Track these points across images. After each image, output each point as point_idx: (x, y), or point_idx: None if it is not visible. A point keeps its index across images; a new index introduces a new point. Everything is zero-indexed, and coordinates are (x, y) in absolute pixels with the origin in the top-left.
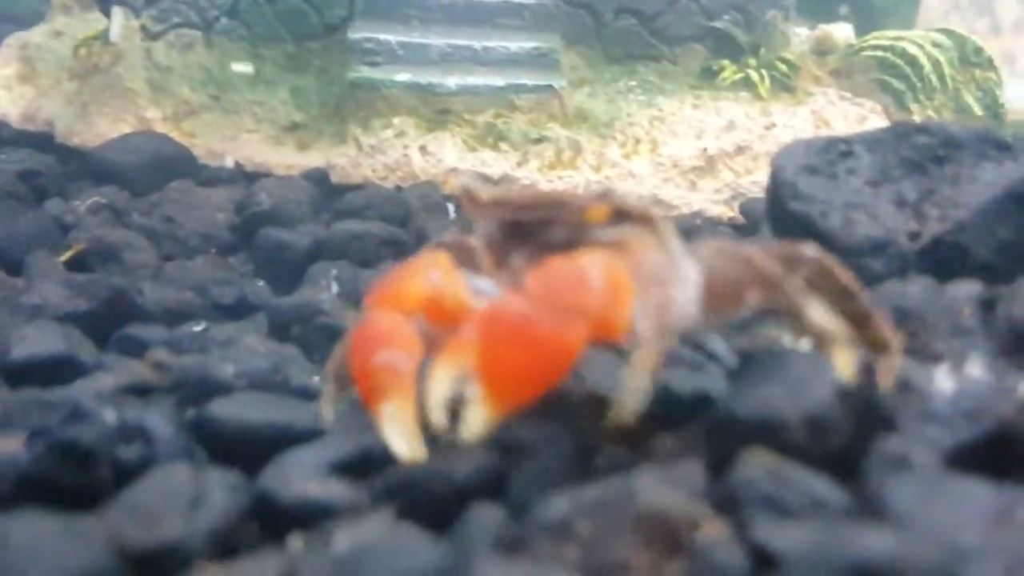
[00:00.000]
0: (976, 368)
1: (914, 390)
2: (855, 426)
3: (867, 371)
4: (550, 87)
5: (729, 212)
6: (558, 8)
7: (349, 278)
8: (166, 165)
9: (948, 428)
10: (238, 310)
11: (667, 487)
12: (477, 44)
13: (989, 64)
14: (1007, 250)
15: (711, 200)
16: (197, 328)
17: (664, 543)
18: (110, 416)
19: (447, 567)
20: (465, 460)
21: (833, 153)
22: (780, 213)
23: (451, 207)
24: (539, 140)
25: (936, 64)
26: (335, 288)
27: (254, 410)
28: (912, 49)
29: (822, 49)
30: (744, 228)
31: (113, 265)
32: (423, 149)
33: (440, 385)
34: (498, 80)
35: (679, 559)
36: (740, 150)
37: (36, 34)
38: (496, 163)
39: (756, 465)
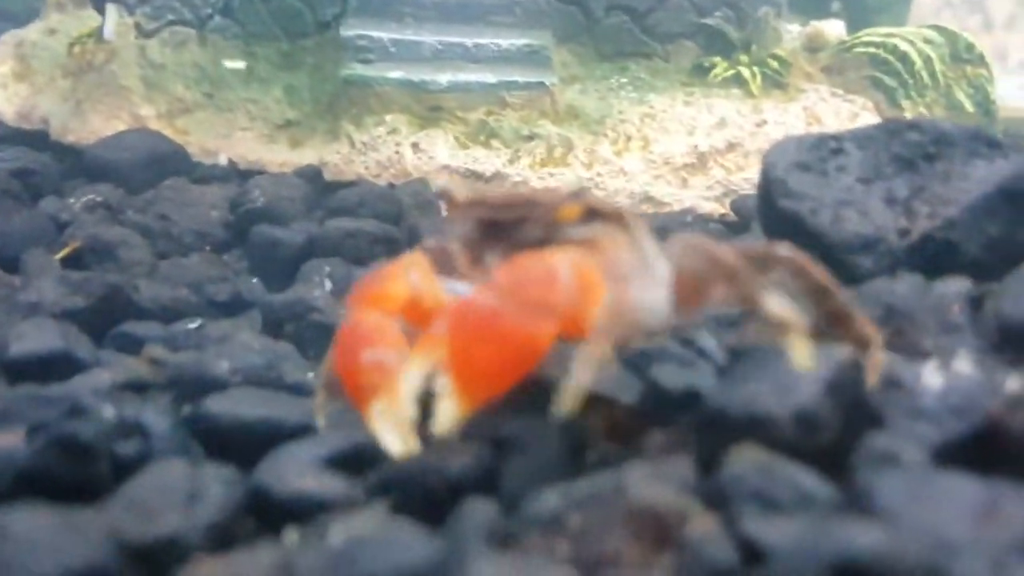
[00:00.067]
0: (964, 364)
1: (902, 386)
2: (844, 422)
3: (855, 367)
4: (542, 84)
5: (720, 209)
6: (550, 5)
7: (342, 275)
8: (160, 163)
9: (936, 424)
10: (232, 307)
11: (657, 482)
12: (469, 41)
13: (981, 61)
14: (996, 247)
15: (702, 197)
16: (192, 325)
17: (654, 537)
18: (109, 412)
19: (440, 560)
20: (458, 455)
21: (824, 150)
22: (771, 210)
23: (442, 204)
24: (531, 137)
25: (928, 61)
26: (328, 285)
27: (249, 406)
28: (904, 46)
29: (814, 46)
30: (735, 225)
31: (109, 262)
32: (415, 146)
33: (412, 379)
34: (490, 77)
35: (669, 553)
36: (731, 147)
37: (31, 31)
38: (488, 160)
39: (745, 460)
